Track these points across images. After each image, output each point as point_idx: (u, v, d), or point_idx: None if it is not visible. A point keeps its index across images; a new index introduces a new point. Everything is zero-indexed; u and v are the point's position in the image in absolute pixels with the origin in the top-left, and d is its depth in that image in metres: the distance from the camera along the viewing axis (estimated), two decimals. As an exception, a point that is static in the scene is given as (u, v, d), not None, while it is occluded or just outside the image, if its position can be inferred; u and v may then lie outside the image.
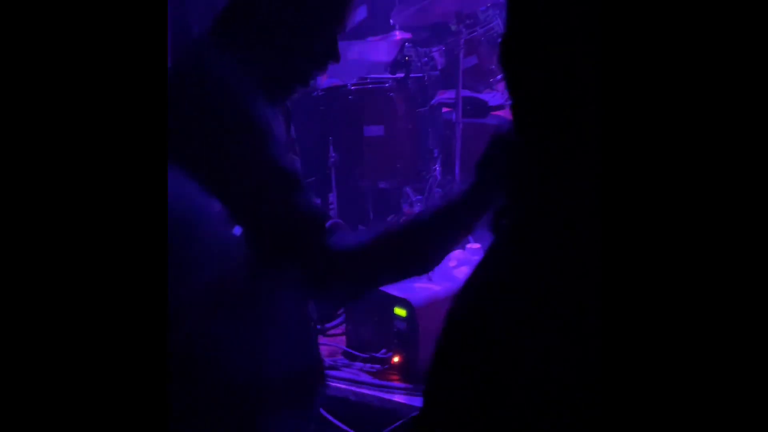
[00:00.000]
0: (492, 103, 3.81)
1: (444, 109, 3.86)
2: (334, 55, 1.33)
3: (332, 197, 3.48)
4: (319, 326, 2.49)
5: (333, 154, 3.38)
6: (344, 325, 2.40)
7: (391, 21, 3.98)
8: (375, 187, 3.64)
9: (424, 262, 1.32)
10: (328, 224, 1.25)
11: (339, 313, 2.55)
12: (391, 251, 1.27)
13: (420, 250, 1.29)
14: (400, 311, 2.11)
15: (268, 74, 1.29)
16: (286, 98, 1.39)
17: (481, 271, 0.72)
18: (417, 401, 2.05)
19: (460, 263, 2.41)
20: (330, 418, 2.04)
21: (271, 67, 1.30)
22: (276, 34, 1.28)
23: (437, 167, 3.62)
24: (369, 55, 3.87)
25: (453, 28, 3.80)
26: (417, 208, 3.69)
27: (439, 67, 3.89)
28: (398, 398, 2.05)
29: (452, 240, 1.31)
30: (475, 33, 3.72)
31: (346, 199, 3.53)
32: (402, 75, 3.61)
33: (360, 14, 3.86)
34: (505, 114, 3.74)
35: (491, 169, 1.23)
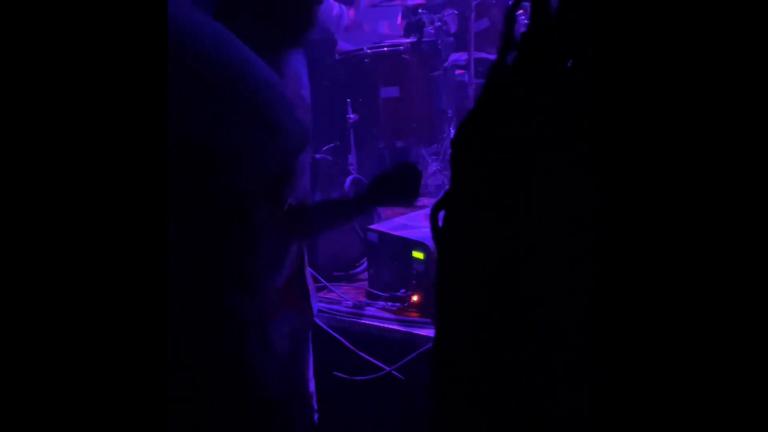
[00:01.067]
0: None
1: (457, 71, 4.00)
2: (308, 28, 1.56)
3: (351, 158, 3.64)
4: (344, 273, 2.70)
5: (351, 115, 3.53)
6: (367, 271, 2.58)
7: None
8: (392, 146, 3.79)
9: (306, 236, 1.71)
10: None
11: (361, 261, 2.74)
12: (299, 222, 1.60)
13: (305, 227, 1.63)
14: (418, 254, 2.30)
15: (261, 40, 1.50)
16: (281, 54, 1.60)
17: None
18: (433, 334, 2.23)
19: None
20: (360, 353, 2.24)
21: (260, 36, 1.50)
22: (257, 11, 1.50)
23: (451, 127, 3.77)
24: (383, 20, 4.00)
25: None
26: (432, 168, 3.86)
27: (452, 31, 4.02)
28: (417, 332, 2.23)
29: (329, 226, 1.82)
30: (486, -4, 3.85)
31: (365, 159, 3.69)
32: (416, 39, 3.75)
33: None
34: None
35: (384, 189, 1.62)
